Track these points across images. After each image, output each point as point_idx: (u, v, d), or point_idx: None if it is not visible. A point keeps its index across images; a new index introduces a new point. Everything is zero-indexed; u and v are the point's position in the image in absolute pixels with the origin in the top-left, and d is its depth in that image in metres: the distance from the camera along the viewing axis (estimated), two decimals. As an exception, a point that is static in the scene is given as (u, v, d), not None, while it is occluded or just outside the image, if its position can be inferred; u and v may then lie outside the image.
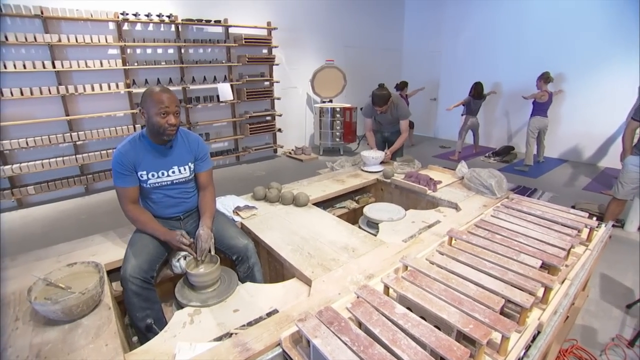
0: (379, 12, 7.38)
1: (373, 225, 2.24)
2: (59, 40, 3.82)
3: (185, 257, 1.87)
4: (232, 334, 1.25)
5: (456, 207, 2.24)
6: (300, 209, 2.22)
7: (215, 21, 4.96)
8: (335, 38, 6.84)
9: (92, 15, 3.96)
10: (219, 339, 1.21)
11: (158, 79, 4.68)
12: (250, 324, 1.29)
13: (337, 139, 6.47)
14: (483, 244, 1.44)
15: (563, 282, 1.34)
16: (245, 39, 5.19)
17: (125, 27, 4.37)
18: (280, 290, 1.50)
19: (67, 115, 4.12)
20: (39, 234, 3.42)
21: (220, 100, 5.24)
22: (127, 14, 4.19)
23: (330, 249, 1.72)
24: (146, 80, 4.59)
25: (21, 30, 3.69)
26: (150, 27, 4.59)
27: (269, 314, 1.34)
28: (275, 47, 5.75)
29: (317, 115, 6.57)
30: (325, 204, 2.67)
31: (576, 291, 1.32)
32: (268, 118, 6.12)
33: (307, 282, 1.49)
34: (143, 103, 1.63)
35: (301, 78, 6.53)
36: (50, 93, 3.84)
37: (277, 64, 5.88)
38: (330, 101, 6.77)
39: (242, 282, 1.72)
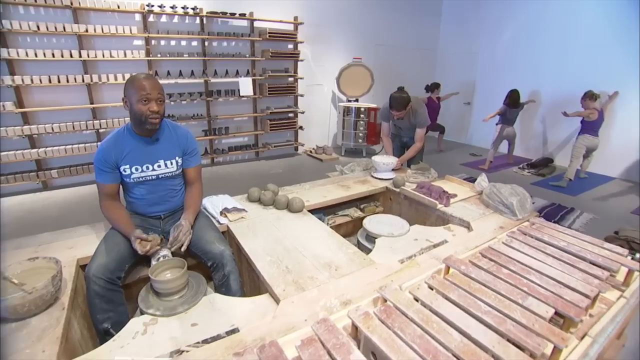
0: (414, 9, 7.02)
1: (372, 240, 2.03)
2: (86, 31, 3.91)
3: (164, 257, 1.78)
4: (182, 351, 1.13)
5: (468, 227, 1.98)
6: (293, 215, 2.06)
7: (240, 14, 4.90)
8: (366, 35, 6.59)
9: (118, 7, 4.03)
10: (168, 355, 1.09)
11: (180, 71, 4.71)
12: (206, 341, 1.16)
13: (360, 140, 6.24)
14: (484, 279, 1.20)
15: (583, 338, 1.08)
16: (269, 33, 5.09)
17: (151, 18, 4.42)
18: (248, 306, 1.35)
19: (92, 103, 4.24)
20: (54, 217, 3.53)
21: (241, 94, 5.19)
22: (152, 6, 4.23)
23: (311, 265, 1.54)
24: (168, 71, 4.62)
25: (52, 20, 3.83)
26: (175, 19, 4.61)
27: (228, 333, 1.20)
28: (301, 42, 5.61)
29: (340, 115, 6.38)
30: (327, 210, 2.49)
31: (601, 350, 1.06)
32: (290, 115, 6.01)
33: (277, 300, 1.33)
34: (125, 91, 1.57)
35: (327, 75, 6.35)
36: (76, 81, 3.96)
37: (301, 60, 5.75)
38: (356, 100, 6.55)
39: (217, 290, 1.61)
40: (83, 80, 4.00)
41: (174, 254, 1.64)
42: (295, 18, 5.48)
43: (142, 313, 1.37)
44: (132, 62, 4.32)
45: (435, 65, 7.81)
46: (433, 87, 5.94)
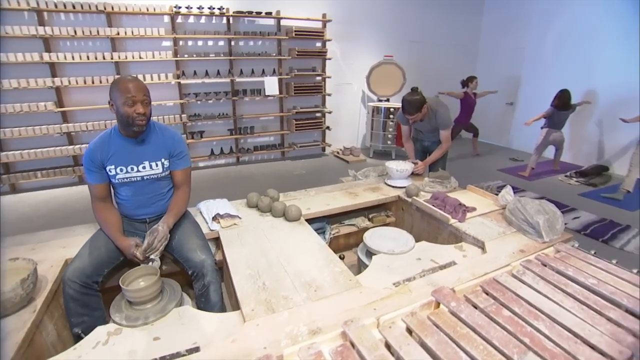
0: (453, 3, 6.57)
1: (371, 256, 1.85)
2: (118, 34, 4.09)
3: (152, 261, 1.75)
4: None
5: (482, 247, 1.73)
6: (288, 224, 1.94)
7: (266, 13, 4.87)
8: (399, 32, 6.28)
9: (147, 9, 4.16)
10: None
11: (206, 71, 4.78)
12: (164, 358, 1.10)
13: (389, 142, 5.97)
14: (476, 322, 0.99)
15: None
16: (295, 31, 5.01)
17: (179, 20, 4.52)
18: (216, 323, 1.26)
19: (123, 102, 4.42)
20: (82, 211, 3.72)
21: (266, 94, 5.16)
22: (180, 7, 4.32)
23: (290, 283, 1.41)
24: (195, 71, 4.71)
25: (88, 24, 4.04)
26: (202, 19, 4.68)
27: (189, 351, 1.13)
28: (329, 40, 5.47)
29: (369, 115, 6.15)
30: (332, 218, 2.35)
31: None
32: (317, 115, 5.90)
33: (244, 320, 1.22)
34: (111, 94, 1.56)
35: (357, 74, 6.15)
36: (108, 82, 4.15)
37: (329, 58, 5.60)
38: (387, 100, 6.27)
39: (197, 300, 1.55)
40: (114, 81, 4.19)
41: (161, 258, 1.61)
42: (324, 15, 5.35)
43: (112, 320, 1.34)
44: (161, 62, 4.45)
45: (475, 63, 7.27)
46: (468, 81, 5.50)
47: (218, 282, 1.55)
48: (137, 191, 1.68)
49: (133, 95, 1.50)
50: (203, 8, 4.45)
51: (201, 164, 5.33)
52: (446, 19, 6.61)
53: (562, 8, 5.61)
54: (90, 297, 1.45)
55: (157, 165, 1.68)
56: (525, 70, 6.34)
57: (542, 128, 4.92)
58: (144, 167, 1.65)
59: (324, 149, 6.29)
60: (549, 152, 5.42)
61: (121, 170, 1.62)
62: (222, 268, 1.84)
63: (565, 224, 3.36)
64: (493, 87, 6.05)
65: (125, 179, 1.63)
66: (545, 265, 1.31)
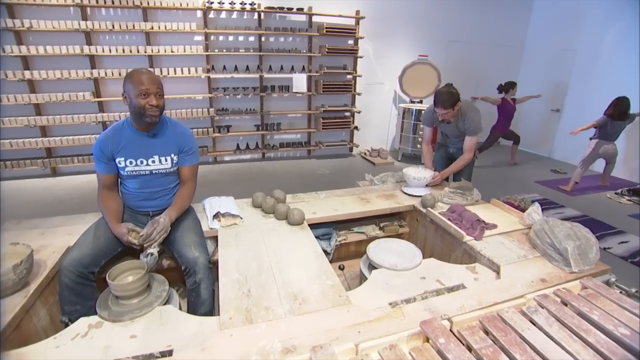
0: (498, 1, 6.14)
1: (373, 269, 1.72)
2: (152, 28, 4.22)
3: (150, 255, 1.75)
4: None
5: (498, 271, 1.54)
6: (289, 228, 1.86)
7: (297, 9, 4.81)
8: (437, 31, 5.97)
9: (181, 4, 4.25)
10: None
11: (236, 66, 4.82)
12: (137, 358, 1.08)
13: (419, 145, 5.71)
14: (466, 365, 0.85)
15: None
16: (326, 28, 4.91)
17: (211, 15, 4.58)
18: (194, 327, 1.21)
19: (155, 95, 4.58)
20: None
21: (294, 90, 5.12)
22: (212, 2, 4.37)
23: (276, 292, 1.33)
24: (224, 66, 4.76)
25: (126, 19, 4.21)
26: (234, 15, 4.72)
27: (162, 353, 1.10)
28: (361, 37, 5.31)
29: (399, 116, 5.93)
30: (341, 224, 2.24)
31: None
32: (346, 114, 5.77)
33: (221, 327, 1.16)
34: (124, 87, 1.58)
35: (389, 73, 5.94)
36: (141, 74, 4.31)
37: (361, 57, 5.45)
38: (420, 102, 6.01)
39: (189, 295, 1.54)
40: (147, 74, 4.34)
41: (161, 253, 1.61)
42: (357, 12, 5.20)
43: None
44: (192, 56, 4.55)
45: (519, 65, 6.76)
46: (508, 87, 5.10)
47: (210, 280, 1.52)
48: (144, 184, 1.69)
49: (147, 88, 1.51)
50: (235, 3, 4.48)
51: (227, 158, 5.41)
52: (490, 18, 6.20)
53: (625, 8, 5.03)
54: (85, 287, 1.46)
55: (166, 160, 1.69)
56: (575, 74, 5.78)
57: (591, 139, 4.45)
58: (153, 161, 1.66)
59: (351, 150, 6.16)
60: (598, 166, 4.90)
61: (131, 163, 1.63)
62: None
63: (608, 248, 3.03)
64: (537, 91, 5.58)
65: (134, 172, 1.65)
66: (566, 304, 1.12)
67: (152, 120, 1.58)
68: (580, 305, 1.10)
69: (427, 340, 0.99)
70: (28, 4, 3.87)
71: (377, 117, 6.23)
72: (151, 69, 4.35)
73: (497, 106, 5.19)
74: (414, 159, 5.88)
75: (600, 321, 1.03)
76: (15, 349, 1.10)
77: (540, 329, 0.99)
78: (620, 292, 1.38)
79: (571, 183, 4.50)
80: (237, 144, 5.34)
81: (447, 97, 2.36)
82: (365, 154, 6.05)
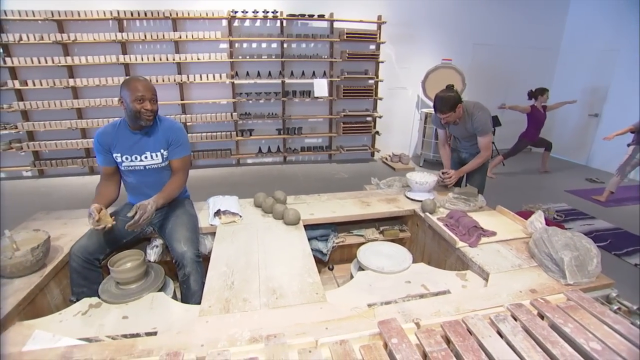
0: (530, 1, 5.88)
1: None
2: (180, 37, 4.50)
3: (156, 247, 1.89)
4: (99, 340, 1.19)
5: (486, 279, 1.50)
6: (284, 227, 1.92)
7: (319, 15, 4.91)
8: (462, 34, 5.83)
9: (207, 14, 4.50)
10: (88, 340, 1.18)
11: (258, 72, 4.99)
12: (125, 336, 1.21)
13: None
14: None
15: None
16: (347, 34, 4.96)
17: (235, 23, 4.80)
18: (179, 313, 1.31)
19: (182, 99, 4.86)
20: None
21: (315, 95, 5.21)
22: (236, 12, 4.58)
23: (256, 286, 1.40)
24: (247, 72, 4.96)
25: (157, 29, 4.53)
26: (257, 22, 4.91)
27: (148, 334, 1.22)
28: (382, 42, 5.30)
29: (421, 121, 5.83)
30: (340, 226, 2.27)
31: None
32: (367, 119, 5.77)
33: (200, 314, 1.25)
34: (121, 92, 1.72)
35: (412, 78, 5.86)
36: (169, 81, 4.60)
37: (382, 61, 5.43)
38: (444, 106, 5.86)
39: (180, 285, 1.65)
40: (175, 80, 4.62)
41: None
42: (379, 17, 5.21)
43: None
44: (217, 63, 4.78)
45: (554, 68, 6.40)
46: (538, 94, 4.84)
47: (199, 274, 1.60)
48: (140, 178, 1.83)
49: (142, 94, 1.66)
50: (258, 12, 4.67)
51: (249, 161, 5.59)
52: (521, 18, 5.94)
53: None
54: (91, 271, 1.60)
55: (157, 155, 1.81)
56: (616, 77, 5.38)
57: (629, 145, 4.12)
58: (145, 157, 1.79)
59: (372, 154, 6.14)
60: (636, 175, 4.52)
61: (126, 158, 1.78)
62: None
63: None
64: (573, 96, 5.27)
65: (130, 167, 1.80)
66: (537, 316, 1.08)
67: (146, 124, 1.72)
68: (554, 317, 1.05)
69: (386, 347, 1.00)
70: (74, 19, 4.27)
71: (400, 122, 6.16)
72: (178, 76, 4.64)
73: (527, 114, 4.95)
74: (436, 164, 5.73)
75: (572, 334, 0.98)
76: (27, 320, 1.27)
77: (503, 336, 0.97)
78: (618, 309, 1.30)
79: (606, 193, 4.19)
80: (259, 147, 5.51)
81: (445, 101, 2.32)
82: (386, 159, 6.00)
